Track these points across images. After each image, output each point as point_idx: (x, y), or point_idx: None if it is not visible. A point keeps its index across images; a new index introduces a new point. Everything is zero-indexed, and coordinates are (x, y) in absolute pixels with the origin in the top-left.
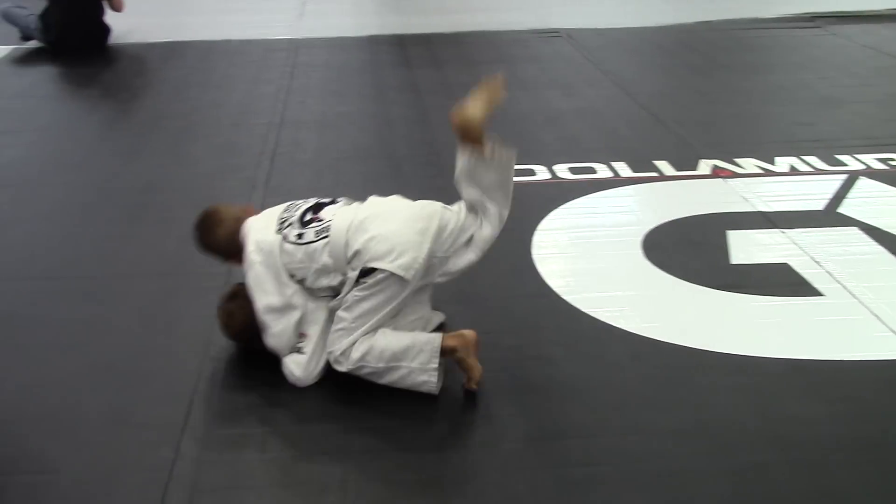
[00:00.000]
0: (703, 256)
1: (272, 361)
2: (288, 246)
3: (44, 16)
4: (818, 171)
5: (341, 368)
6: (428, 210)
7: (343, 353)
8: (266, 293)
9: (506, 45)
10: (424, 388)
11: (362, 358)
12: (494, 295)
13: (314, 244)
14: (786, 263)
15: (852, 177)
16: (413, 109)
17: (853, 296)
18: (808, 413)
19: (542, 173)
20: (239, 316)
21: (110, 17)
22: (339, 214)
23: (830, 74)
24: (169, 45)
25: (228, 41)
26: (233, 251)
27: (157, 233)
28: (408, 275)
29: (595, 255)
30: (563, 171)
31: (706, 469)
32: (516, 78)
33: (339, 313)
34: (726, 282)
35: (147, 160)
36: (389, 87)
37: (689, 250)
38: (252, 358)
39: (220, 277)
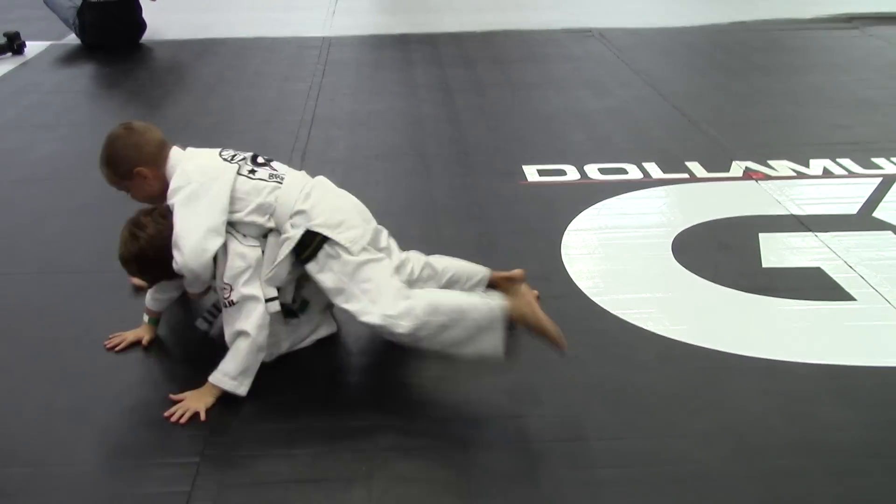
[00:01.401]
0: (733, 259)
1: (301, 359)
2: (240, 178)
3: (80, 13)
4: (853, 175)
5: (402, 328)
6: (365, 209)
7: (404, 312)
8: (197, 213)
9: (538, 44)
10: (490, 348)
11: (426, 313)
12: None
13: (265, 183)
14: (818, 267)
15: (888, 180)
16: (444, 108)
17: (887, 301)
18: (839, 418)
19: (572, 174)
20: (151, 230)
21: (147, 11)
22: (291, 172)
23: (867, 76)
24: (202, 42)
25: (261, 39)
26: (150, 165)
27: None
28: (354, 248)
29: (624, 256)
30: (593, 171)
31: (734, 472)
32: (548, 77)
33: (350, 288)
34: (757, 285)
35: None
36: (420, 85)
37: (720, 253)
38: (281, 356)
39: None
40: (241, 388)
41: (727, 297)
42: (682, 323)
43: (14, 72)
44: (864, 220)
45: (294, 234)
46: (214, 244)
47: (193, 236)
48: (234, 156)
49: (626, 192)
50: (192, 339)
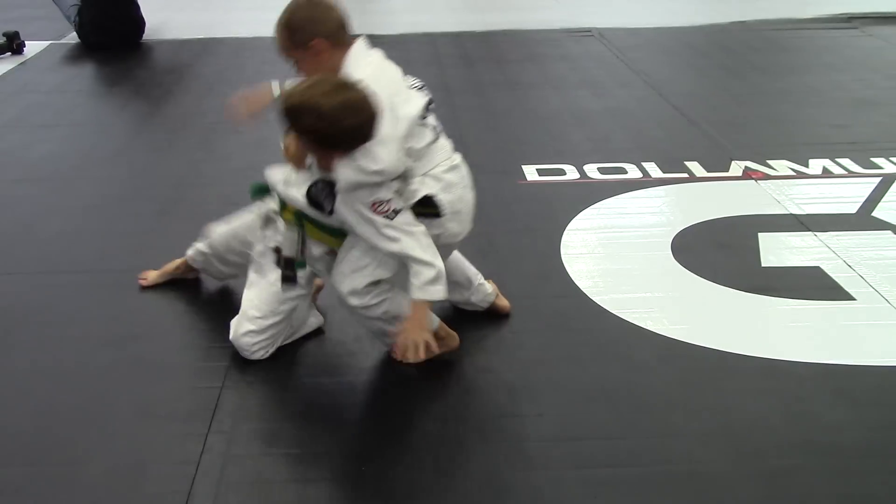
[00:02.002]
0: (733, 259)
1: (299, 358)
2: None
3: (80, 13)
4: (852, 174)
5: (354, 301)
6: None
7: (361, 292)
8: (396, 126)
9: (537, 43)
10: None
11: (381, 309)
12: (522, 294)
13: (427, 132)
14: (818, 267)
15: (887, 180)
16: (443, 108)
17: (886, 300)
18: (838, 418)
19: (571, 173)
20: (367, 109)
21: (146, 10)
22: (443, 135)
23: (866, 76)
24: (202, 41)
25: (260, 38)
26: (329, 40)
27: (189, 228)
28: (444, 239)
29: (624, 255)
30: (592, 171)
31: (733, 472)
32: (547, 77)
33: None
34: (756, 284)
35: (179, 156)
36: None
37: (719, 252)
38: (278, 356)
39: None
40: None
41: (726, 297)
42: (682, 322)
43: (14, 71)
44: (863, 219)
45: (422, 190)
46: (405, 161)
47: (396, 145)
48: (421, 87)
49: (625, 191)
50: (188, 335)
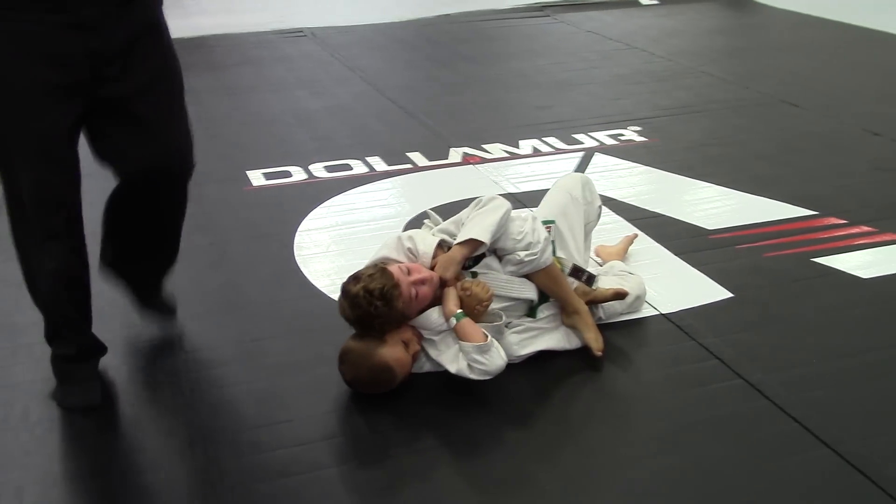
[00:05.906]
0: None
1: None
2: None
3: None
4: (559, 151)
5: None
6: None
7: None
8: None
9: (251, 46)
10: None
11: None
12: (260, 301)
13: None
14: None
15: (588, 153)
16: None
17: (597, 264)
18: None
19: (298, 174)
20: None
21: None
22: None
23: (562, 59)
24: None
25: None
26: None
27: None
28: None
29: (358, 250)
30: (319, 170)
31: (511, 442)
32: (265, 79)
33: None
34: None
35: None
36: None
37: None
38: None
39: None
40: None
41: None
42: None
43: None
44: None
45: None
46: None
47: None
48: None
49: (353, 187)
50: None
